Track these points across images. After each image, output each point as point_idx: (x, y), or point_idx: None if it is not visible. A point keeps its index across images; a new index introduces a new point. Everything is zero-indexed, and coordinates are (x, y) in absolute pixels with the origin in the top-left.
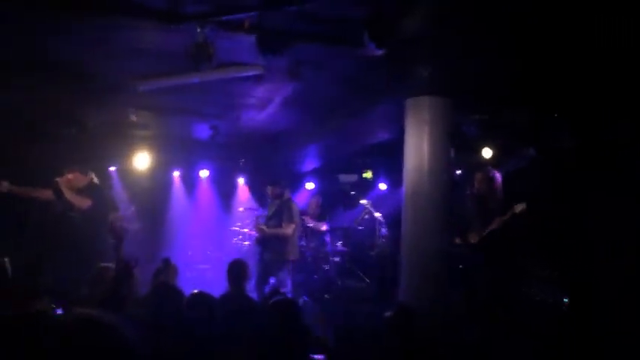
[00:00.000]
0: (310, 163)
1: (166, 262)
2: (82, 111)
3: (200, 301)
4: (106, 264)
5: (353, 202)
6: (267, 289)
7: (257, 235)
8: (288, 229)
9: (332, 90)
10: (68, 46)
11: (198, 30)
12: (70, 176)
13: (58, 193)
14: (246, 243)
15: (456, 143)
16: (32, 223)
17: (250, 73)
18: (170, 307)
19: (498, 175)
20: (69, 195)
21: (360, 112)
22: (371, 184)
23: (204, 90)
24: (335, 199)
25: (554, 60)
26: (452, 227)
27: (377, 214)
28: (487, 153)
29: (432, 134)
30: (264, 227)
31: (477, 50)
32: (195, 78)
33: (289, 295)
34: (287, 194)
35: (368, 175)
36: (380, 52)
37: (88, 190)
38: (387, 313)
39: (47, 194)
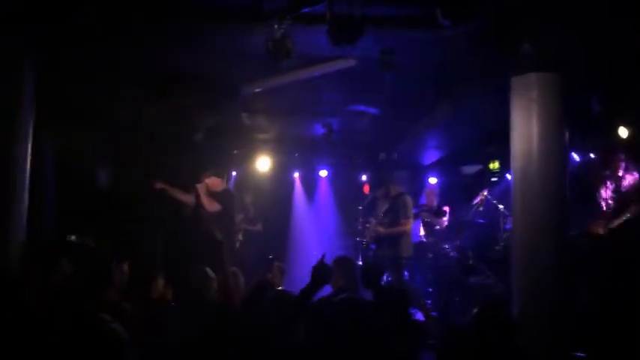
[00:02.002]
0: (432, 155)
1: (270, 262)
2: (202, 118)
3: (281, 300)
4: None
5: (474, 195)
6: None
7: (372, 233)
8: (407, 226)
9: (431, 74)
10: (176, 55)
11: (276, 26)
12: (208, 181)
13: (197, 197)
14: (365, 241)
15: (579, 123)
16: (167, 222)
17: (344, 66)
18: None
19: (633, 158)
20: (204, 199)
21: (466, 96)
22: (498, 174)
23: (312, 88)
24: (457, 192)
25: None
26: (577, 217)
27: (500, 206)
28: (623, 132)
29: (542, 114)
30: (379, 228)
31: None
32: (291, 77)
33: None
34: (398, 189)
35: (495, 165)
36: (458, 30)
37: (221, 194)
38: (474, 310)
39: (187, 198)
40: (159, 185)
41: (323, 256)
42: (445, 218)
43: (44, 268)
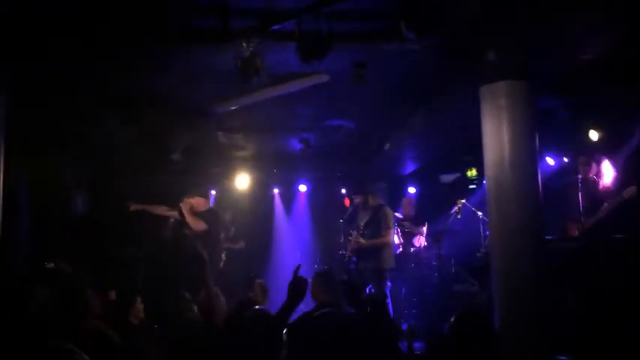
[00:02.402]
0: (410, 166)
1: (251, 280)
2: (176, 138)
3: (260, 319)
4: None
5: (452, 204)
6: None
7: (353, 244)
8: (388, 237)
9: (404, 86)
10: (147, 77)
11: (244, 44)
12: (192, 200)
13: (181, 215)
14: (347, 254)
15: (551, 128)
16: (149, 240)
17: (317, 81)
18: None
19: (606, 160)
20: (189, 218)
21: (439, 107)
22: (476, 181)
23: (286, 104)
24: (435, 202)
25: None
26: (552, 221)
27: (479, 213)
28: (594, 135)
29: (511, 122)
30: (361, 240)
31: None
32: (265, 94)
33: (389, 305)
34: (378, 200)
35: (472, 172)
36: (424, 43)
37: (206, 213)
38: (451, 319)
39: (171, 214)
40: (134, 207)
41: (297, 269)
42: (424, 227)
43: (20, 296)
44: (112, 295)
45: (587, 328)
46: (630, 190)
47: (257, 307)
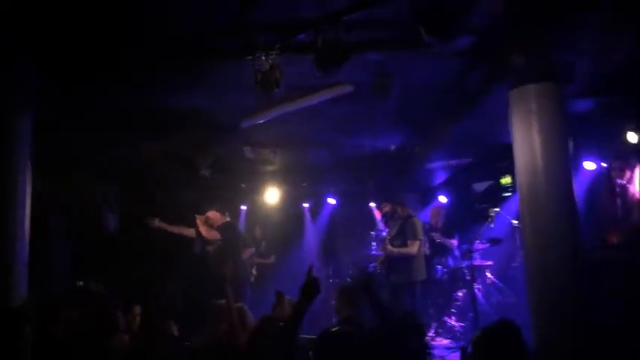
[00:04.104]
0: (441, 175)
1: (278, 295)
2: (204, 154)
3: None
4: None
5: (484, 213)
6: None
7: (382, 256)
8: (414, 247)
9: (428, 96)
10: (172, 95)
11: (263, 58)
12: (209, 214)
13: (196, 228)
14: (378, 267)
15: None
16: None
17: (341, 93)
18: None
19: None
20: (203, 230)
21: (466, 114)
22: (511, 189)
23: (309, 117)
24: (468, 211)
25: None
26: (588, 229)
27: (514, 222)
28: (632, 138)
29: (542, 126)
30: (389, 247)
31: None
32: (289, 107)
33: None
34: (407, 211)
35: (507, 180)
36: (448, 48)
37: (221, 227)
38: (475, 335)
39: (190, 232)
40: (155, 223)
41: (310, 270)
42: (455, 241)
43: (46, 318)
44: (137, 310)
45: (631, 339)
46: None
47: (282, 323)
